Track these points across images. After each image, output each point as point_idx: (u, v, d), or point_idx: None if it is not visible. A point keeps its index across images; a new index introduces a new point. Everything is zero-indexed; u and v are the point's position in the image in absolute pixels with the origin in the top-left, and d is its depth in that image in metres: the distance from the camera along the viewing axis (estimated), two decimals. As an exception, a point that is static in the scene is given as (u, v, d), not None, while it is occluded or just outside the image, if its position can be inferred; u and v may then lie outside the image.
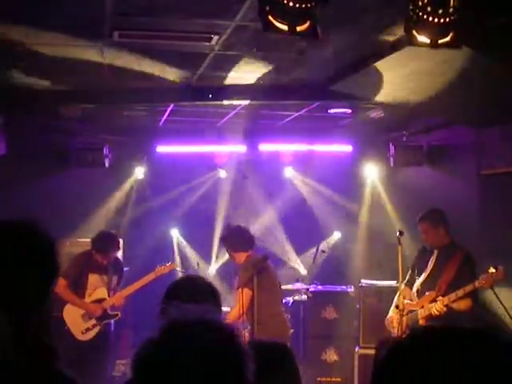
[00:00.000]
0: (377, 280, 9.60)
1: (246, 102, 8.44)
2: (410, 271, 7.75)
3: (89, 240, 9.11)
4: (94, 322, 8.74)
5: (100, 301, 8.80)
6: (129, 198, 11.25)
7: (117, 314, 8.94)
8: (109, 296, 8.87)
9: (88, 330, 8.72)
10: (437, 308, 7.21)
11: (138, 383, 1.86)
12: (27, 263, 2.53)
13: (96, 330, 8.74)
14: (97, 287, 8.83)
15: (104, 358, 8.80)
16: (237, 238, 8.11)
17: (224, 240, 8.28)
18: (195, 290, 3.84)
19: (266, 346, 3.29)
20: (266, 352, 3.18)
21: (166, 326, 1.87)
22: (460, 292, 7.05)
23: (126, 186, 11.21)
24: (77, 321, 8.71)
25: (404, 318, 7.48)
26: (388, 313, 8.01)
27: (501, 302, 6.90)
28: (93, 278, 8.83)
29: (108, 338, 8.97)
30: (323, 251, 10.80)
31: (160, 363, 1.81)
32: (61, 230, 9.68)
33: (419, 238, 7.97)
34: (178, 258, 11.27)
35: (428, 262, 7.69)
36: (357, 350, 9.27)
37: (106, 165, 10.40)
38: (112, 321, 9.00)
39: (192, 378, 1.80)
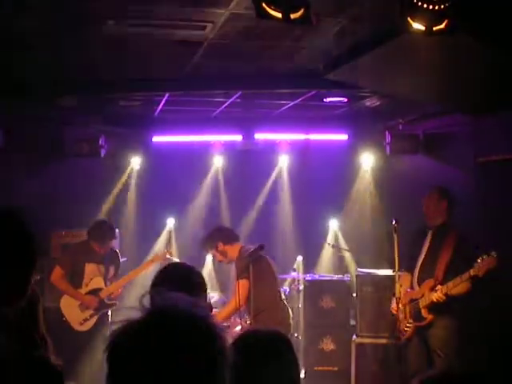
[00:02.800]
0: (373, 269, 9.60)
1: (241, 91, 8.42)
2: (407, 257, 7.75)
3: (85, 231, 9.10)
4: (91, 312, 8.74)
5: (96, 290, 8.80)
6: (125, 188, 11.24)
7: (114, 304, 8.93)
8: (105, 286, 8.87)
9: (86, 320, 8.71)
10: (436, 297, 7.27)
11: (111, 370, 1.83)
12: (4, 252, 2.52)
13: (94, 319, 8.74)
14: (93, 277, 8.82)
15: (103, 348, 8.76)
16: (226, 232, 8.11)
17: (214, 237, 8.08)
18: (182, 278, 3.85)
19: (263, 336, 3.29)
20: (263, 341, 3.18)
21: (149, 314, 1.83)
22: (457, 280, 7.11)
23: (123, 176, 11.20)
24: (74, 311, 8.71)
25: (407, 307, 7.52)
26: (385, 301, 8.05)
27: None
28: (89, 268, 8.82)
29: (106, 327, 8.95)
30: (333, 246, 10.86)
31: (137, 354, 1.75)
32: (57, 221, 9.71)
33: (415, 226, 7.99)
34: (173, 248, 11.26)
35: (422, 244, 7.73)
36: (354, 338, 9.28)
37: (102, 155, 10.39)
38: (109, 310, 8.99)
39: (168, 375, 1.75)
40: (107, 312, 8.96)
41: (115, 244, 9.39)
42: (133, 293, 9.52)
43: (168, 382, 1.74)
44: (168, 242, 11.25)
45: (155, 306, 1.85)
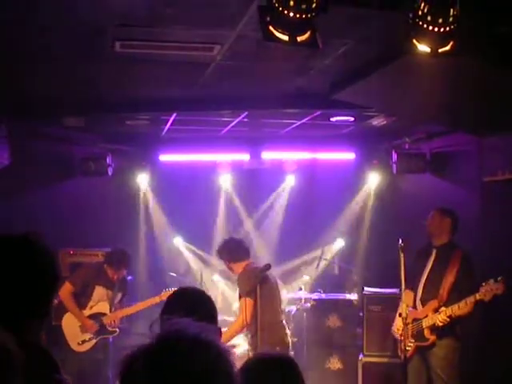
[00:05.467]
0: (380, 288, 9.59)
1: (248, 111, 8.46)
2: (411, 275, 7.75)
3: (93, 250, 9.12)
4: (90, 335, 8.73)
5: (100, 315, 8.79)
6: (132, 207, 11.27)
7: (115, 331, 8.90)
8: (110, 312, 8.87)
9: (84, 341, 8.70)
10: (440, 319, 7.28)
11: None
12: (28, 276, 2.56)
13: (92, 342, 8.73)
14: (100, 301, 8.83)
15: (103, 371, 8.75)
16: (233, 249, 8.19)
17: (221, 252, 8.31)
18: (193, 304, 3.87)
19: (271, 359, 3.31)
20: (272, 364, 3.20)
21: (159, 340, 1.84)
22: (462, 304, 7.13)
23: (130, 194, 11.23)
24: (74, 331, 8.70)
25: (409, 327, 7.51)
26: (391, 320, 8.04)
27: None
28: (99, 291, 8.83)
29: (107, 351, 8.92)
30: (325, 259, 10.82)
31: (148, 380, 1.76)
32: (64, 239, 9.73)
33: (421, 245, 8.00)
34: (180, 266, 11.27)
35: (426, 263, 7.74)
36: (360, 357, 9.26)
37: (109, 174, 10.42)
38: (110, 337, 8.95)
39: None
40: (108, 337, 8.94)
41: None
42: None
43: None
44: (175, 262, 11.27)
45: (165, 332, 1.87)
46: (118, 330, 8.91)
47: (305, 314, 9.79)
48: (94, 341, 8.74)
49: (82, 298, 8.81)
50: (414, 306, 7.71)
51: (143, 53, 5.97)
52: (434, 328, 7.42)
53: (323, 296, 10.16)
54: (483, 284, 7.01)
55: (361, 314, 9.48)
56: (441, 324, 7.30)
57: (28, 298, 2.53)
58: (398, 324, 7.70)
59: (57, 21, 5.06)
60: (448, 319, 7.24)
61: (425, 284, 7.68)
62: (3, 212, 8.84)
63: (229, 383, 1.82)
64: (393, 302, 8.55)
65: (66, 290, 8.69)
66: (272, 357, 3.33)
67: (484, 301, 7.02)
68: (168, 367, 1.76)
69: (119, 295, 9.04)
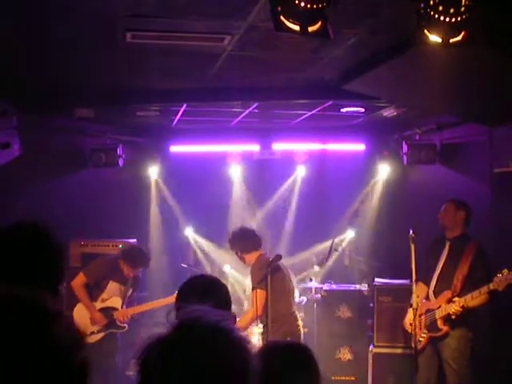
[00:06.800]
0: (390, 279, 9.59)
1: (258, 102, 8.45)
2: (424, 267, 7.75)
3: (104, 241, 9.12)
4: (99, 327, 8.75)
5: (111, 309, 8.80)
6: (143, 198, 11.29)
7: (124, 327, 8.91)
8: (122, 307, 8.89)
9: (92, 333, 8.70)
10: (453, 309, 7.27)
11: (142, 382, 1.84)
12: (36, 265, 2.56)
13: (100, 335, 8.74)
14: (113, 295, 8.85)
15: (111, 363, 8.74)
16: (245, 239, 8.21)
17: (233, 242, 8.33)
18: (206, 290, 3.88)
19: (286, 347, 3.31)
20: (287, 353, 3.20)
21: (179, 329, 1.85)
22: (475, 294, 7.11)
23: (140, 185, 11.25)
24: (84, 322, 8.71)
25: (422, 317, 7.53)
26: (402, 311, 8.05)
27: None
28: (112, 286, 8.86)
29: (114, 345, 8.95)
30: (335, 250, 10.81)
31: (167, 367, 1.77)
32: (74, 230, 9.74)
33: (432, 237, 7.99)
34: (192, 258, 11.29)
35: (440, 255, 7.74)
36: (371, 348, 9.27)
37: (120, 165, 10.43)
38: (118, 332, 8.98)
39: None
40: (116, 332, 8.97)
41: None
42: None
43: None
44: (187, 253, 11.29)
45: (184, 320, 1.87)
46: (126, 326, 8.92)
47: (315, 305, 9.80)
48: (101, 334, 8.76)
49: (94, 290, 8.83)
50: (427, 298, 7.71)
51: (154, 43, 5.97)
52: (447, 318, 7.42)
53: (333, 287, 10.15)
54: (497, 274, 7.00)
55: (371, 305, 9.48)
56: (454, 314, 7.30)
57: (33, 285, 2.54)
58: (409, 316, 7.70)
59: (67, 11, 5.07)
60: (461, 309, 7.23)
61: (438, 276, 7.67)
62: (14, 203, 8.86)
63: (247, 372, 1.83)
64: (403, 293, 8.55)
65: (78, 281, 8.73)
66: (286, 344, 3.34)
67: (498, 291, 7.01)
68: (187, 355, 1.76)
69: (131, 290, 9.06)
